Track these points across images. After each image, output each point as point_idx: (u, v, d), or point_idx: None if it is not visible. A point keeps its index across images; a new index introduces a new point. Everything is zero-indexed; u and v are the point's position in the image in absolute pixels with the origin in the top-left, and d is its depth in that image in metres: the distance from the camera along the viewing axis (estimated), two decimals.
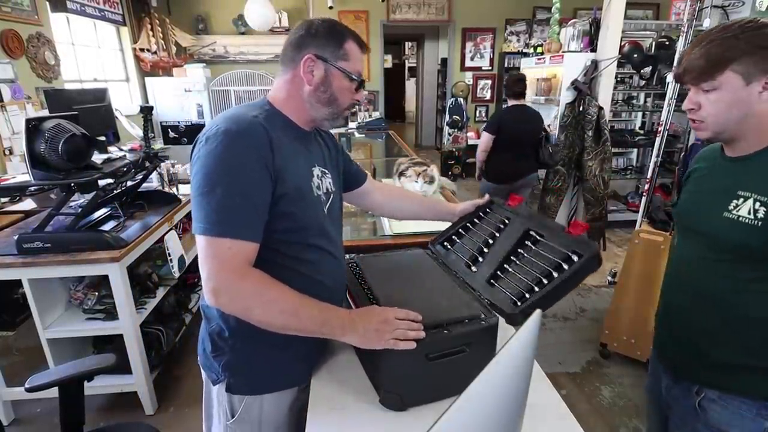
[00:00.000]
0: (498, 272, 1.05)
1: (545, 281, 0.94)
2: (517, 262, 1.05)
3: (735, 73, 0.81)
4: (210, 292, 0.78)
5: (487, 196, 1.29)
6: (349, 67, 0.92)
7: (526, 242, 1.08)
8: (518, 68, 5.27)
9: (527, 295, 0.94)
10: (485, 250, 1.15)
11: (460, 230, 1.27)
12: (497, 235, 1.16)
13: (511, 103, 3.27)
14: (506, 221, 1.17)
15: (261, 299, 0.80)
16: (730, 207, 0.86)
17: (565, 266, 0.93)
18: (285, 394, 0.98)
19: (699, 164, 1.05)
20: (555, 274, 0.94)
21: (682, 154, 3.07)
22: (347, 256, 1.29)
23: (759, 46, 0.79)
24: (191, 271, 2.60)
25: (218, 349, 0.95)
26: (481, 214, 1.27)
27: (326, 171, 1.01)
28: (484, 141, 3.24)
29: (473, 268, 1.11)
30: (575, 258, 0.93)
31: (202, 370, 1.01)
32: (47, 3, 3.82)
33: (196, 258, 1.01)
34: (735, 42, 0.80)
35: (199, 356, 1.01)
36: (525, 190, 3.32)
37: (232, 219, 0.78)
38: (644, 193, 2.86)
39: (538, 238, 1.06)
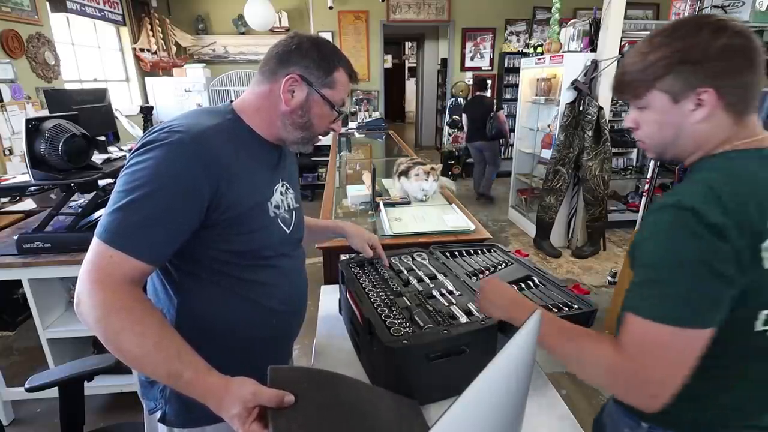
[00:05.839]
0: None
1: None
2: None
3: (661, 92, 0.71)
4: (75, 297, 0.69)
5: (376, 254, 1.23)
6: (333, 97, 0.87)
7: (527, 282, 1.15)
8: (518, 68, 5.34)
9: None
10: (486, 273, 1.21)
11: (462, 251, 1.34)
12: (497, 268, 1.23)
13: (476, 93, 5.23)
14: (507, 264, 1.25)
15: (108, 326, 0.67)
16: None
17: (565, 309, 1.00)
18: (230, 425, 0.87)
19: None
20: (555, 310, 1.00)
21: None
22: (346, 256, 1.30)
23: (683, 59, 0.68)
24: None
25: None
26: (479, 251, 1.35)
27: (290, 187, 0.96)
28: (463, 120, 5.41)
29: (473, 279, 1.16)
30: (575, 306, 1.01)
31: (141, 399, 0.92)
32: (47, 3, 3.82)
33: None
34: (659, 55, 0.70)
35: (139, 383, 0.93)
36: (485, 153, 5.23)
37: (130, 231, 0.70)
38: (644, 193, 2.86)
39: (539, 283, 1.14)
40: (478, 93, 5.20)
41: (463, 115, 5.34)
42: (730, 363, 0.72)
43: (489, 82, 6.78)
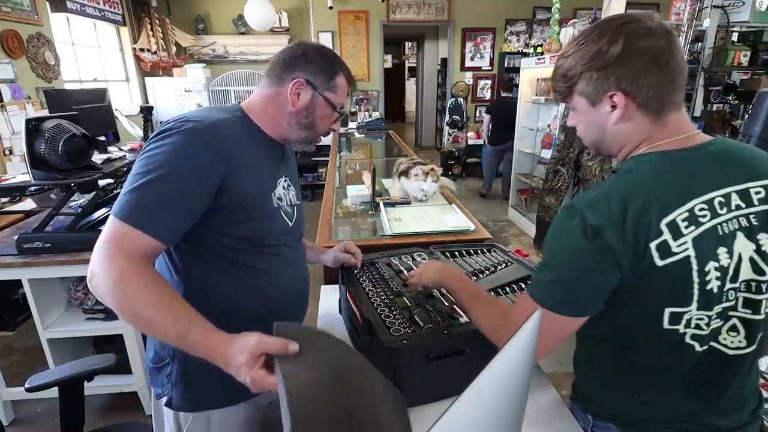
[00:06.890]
0: (498, 290, 1.10)
1: None
2: (517, 291, 1.10)
3: (580, 95, 0.74)
4: (89, 273, 0.72)
5: (358, 261, 1.21)
6: (335, 100, 0.94)
7: (527, 282, 1.14)
8: (518, 68, 5.35)
9: None
10: (486, 273, 1.20)
11: (462, 251, 1.33)
12: (496, 268, 1.23)
13: (503, 94, 5.31)
14: (507, 264, 1.24)
15: (123, 291, 0.70)
16: None
17: None
18: (235, 410, 0.93)
19: None
20: None
21: None
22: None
23: (590, 66, 0.70)
24: None
25: (161, 359, 0.91)
26: (479, 251, 1.34)
27: (291, 185, 1.01)
28: (484, 120, 5.44)
29: (473, 279, 1.16)
30: None
31: (149, 384, 0.95)
32: (47, 3, 3.82)
33: None
34: (572, 62, 0.73)
35: (146, 370, 0.97)
36: (506, 154, 5.20)
37: (145, 210, 0.74)
38: None
39: None
40: (504, 95, 5.24)
41: (485, 116, 5.33)
42: (650, 361, 0.75)
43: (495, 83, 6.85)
